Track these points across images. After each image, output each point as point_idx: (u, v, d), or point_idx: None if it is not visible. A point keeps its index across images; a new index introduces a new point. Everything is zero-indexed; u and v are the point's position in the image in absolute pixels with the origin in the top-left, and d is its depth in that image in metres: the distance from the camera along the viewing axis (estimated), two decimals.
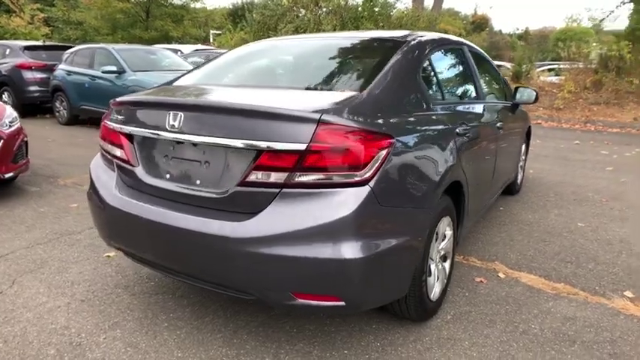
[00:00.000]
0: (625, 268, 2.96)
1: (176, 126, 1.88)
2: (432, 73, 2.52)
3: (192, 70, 2.80)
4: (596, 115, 10.59)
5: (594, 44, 15.46)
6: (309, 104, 1.81)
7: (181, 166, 1.96)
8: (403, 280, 1.95)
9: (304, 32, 14.33)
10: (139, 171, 2.07)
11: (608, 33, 17.68)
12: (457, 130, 2.35)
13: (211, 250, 1.78)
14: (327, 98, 1.93)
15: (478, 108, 2.94)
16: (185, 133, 1.87)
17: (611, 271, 2.93)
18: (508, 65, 18.31)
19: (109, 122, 2.23)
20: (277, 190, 1.70)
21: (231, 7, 36.30)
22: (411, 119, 2.05)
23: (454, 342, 2.13)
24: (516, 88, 3.82)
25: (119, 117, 2.17)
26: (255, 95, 2.14)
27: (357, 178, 1.66)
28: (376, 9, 14.27)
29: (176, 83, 2.59)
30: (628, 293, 2.63)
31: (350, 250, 1.64)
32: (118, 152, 2.18)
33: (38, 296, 2.49)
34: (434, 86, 2.52)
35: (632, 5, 13.88)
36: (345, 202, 1.65)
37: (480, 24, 47.82)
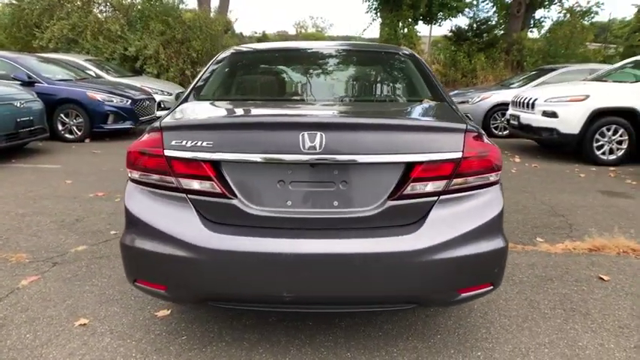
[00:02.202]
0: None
1: (317, 147, 1.75)
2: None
3: (196, 87, 2.46)
4: None
5: None
6: (437, 116, 1.98)
7: (308, 190, 1.83)
8: None
9: (84, 31, 12.56)
10: (239, 203, 1.81)
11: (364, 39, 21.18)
12: None
13: (382, 267, 1.77)
14: (434, 109, 2.11)
15: None
16: (327, 154, 1.76)
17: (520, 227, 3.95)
18: None
19: (174, 151, 1.83)
20: (435, 199, 1.84)
21: None
22: None
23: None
24: None
25: (195, 143, 1.80)
26: (358, 109, 2.15)
27: (493, 179, 1.95)
28: (159, 8, 13.61)
29: (202, 102, 2.26)
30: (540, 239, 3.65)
31: (501, 239, 1.93)
32: (197, 185, 1.83)
33: None
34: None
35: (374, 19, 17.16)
36: (494, 199, 1.94)
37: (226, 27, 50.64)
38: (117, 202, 4.44)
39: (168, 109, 8.82)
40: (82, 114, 7.79)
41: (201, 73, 2.66)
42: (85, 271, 2.98)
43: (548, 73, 9.42)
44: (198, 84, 2.49)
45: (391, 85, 2.60)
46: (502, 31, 17.33)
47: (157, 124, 1.93)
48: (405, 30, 16.04)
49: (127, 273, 2.02)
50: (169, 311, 2.49)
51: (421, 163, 1.79)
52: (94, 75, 9.69)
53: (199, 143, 1.79)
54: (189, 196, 1.84)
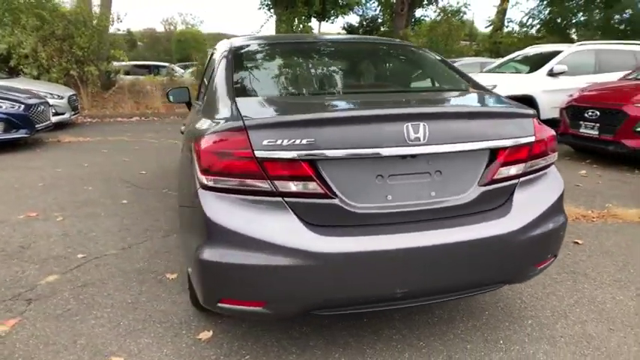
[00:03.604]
0: None
1: (421, 138, 1.72)
2: None
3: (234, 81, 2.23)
4: None
5: None
6: (502, 103, 2.07)
7: (406, 183, 1.78)
8: None
9: None
10: (340, 202, 1.70)
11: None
12: None
13: (486, 252, 1.81)
14: (490, 97, 2.19)
15: None
16: (430, 144, 1.74)
17: None
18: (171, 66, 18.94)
19: (267, 151, 1.64)
20: (516, 182, 1.93)
21: None
22: None
23: None
24: None
25: (293, 142, 1.64)
26: (428, 98, 2.17)
27: (553, 159, 2.10)
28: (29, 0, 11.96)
29: (252, 99, 2.09)
30: None
31: (564, 214, 2.10)
32: (295, 186, 1.67)
33: None
34: None
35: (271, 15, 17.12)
36: (557, 177, 2.12)
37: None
38: (60, 221, 3.81)
39: (62, 114, 7.80)
40: None
41: (214, 71, 2.42)
42: (76, 303, 2.52)
43: None
44: (227, 82, 2.23)
45: (427, 75, 2.63)
46: (388, 29, 18.51)
47: (234, 123, 1.70)
48: (301, 26, 16.24)
49: (205, 295, 1.77)
50: (211, 332, 2.24)
51: (505, 148, 1.87)
52: None
53: (297, 141, 1.63)
54: (287, 199, 1.67)
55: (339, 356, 2.07)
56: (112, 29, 13.23)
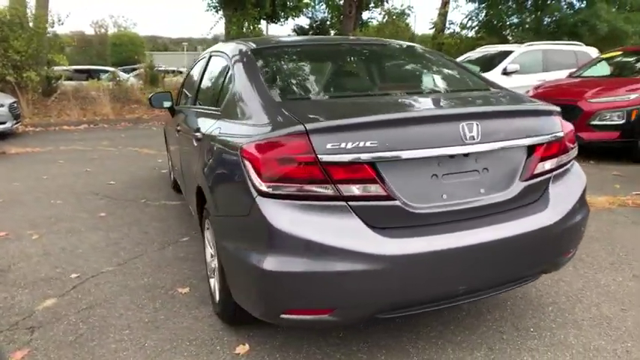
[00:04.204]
0: None
1: (475, 137, 1.76)
2: None
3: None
4: None
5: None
6: (529, 101, 2.15)
7: (458, 181, 1.81)
8: None
9: None
10: (401, 203, 1.70)
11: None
12: None
13: (535, 243, 1.89)
14: (514, 95, 2.27)
15: None
16: (483, 143, 1.79)
17: None
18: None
19: (330, 155, 1.60)
20: (550, 176, 2.02)
21: None
22: None
23: None
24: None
25: (356, 144, 1.62)
26: (465, 97, 2.22)
27: (575, 153, 2.21)
28: None
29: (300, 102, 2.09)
30: None
31: (587, 205, 2.21)
32: (358, 190, 1.64)
33: None
34: None
35: (221, 17, 16.72)
36: (579, 170, 2.25)
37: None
38: (37, 239, 3.51)
39: (3, 123, 7.24)
40: None
41: (229, 74, 2.33)
42: (87, 327, 2.33)
43: None
44: (257, 85, 2.13)
45: (450, 76, 2.65)
46: (337, 31, 18.71)
47: (294, 127, 1.63)
48: (252, 28, 16.03)
49: (266, 307, 1.70)
50: (247, 345, 2.15)
51: (542, 144, 1.95)
52: None
53: (361, 144, 1.61)
54: (350, 203, 1.63)
55: (385, 358, 2.06)
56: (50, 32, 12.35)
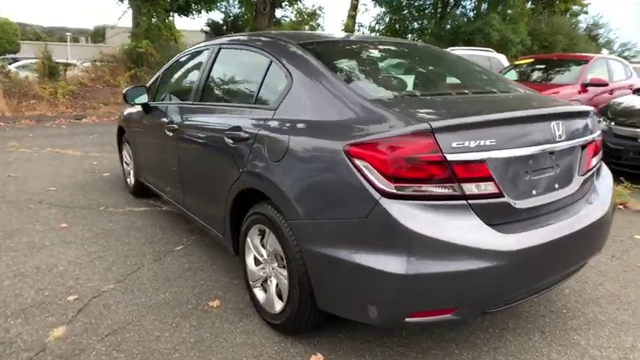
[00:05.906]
0: None
1: (562, 135, 1.91)
2: None
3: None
4: None
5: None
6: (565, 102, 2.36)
7: (542, 177, 1.92)
8: None
9: None
10: (507, 199, 1.76)
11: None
12: None
13: (598, 232, 2.10)
14: (549, 97, 2.44)
15: None
16: (565, 141, 1.95)
17: None
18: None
19: (457, 154, 1.61)
20: (594, 171, 2.24)
21: None
22: None
23: None
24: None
25: (478, 143, 1.66)
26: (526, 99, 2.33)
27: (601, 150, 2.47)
28: None
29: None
30: None
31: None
32: (476, 188, 1.67)
33: None
34: None
35: (129, 7, 15.43)
36: (605, 166, 2.48)
37: None
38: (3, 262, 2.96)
39: None
40: None
41: (286, 69, 2.18)
42: (125, 356, 2.04)
43: None
44: (332, 81, 2.01)
45: (490, 78, 2.70)
46: (251, 28, 18.39)
47: (418, 125, 1.60)
48: (163, 20, 15.06)
49: (391, 311, 1.64)
50: (319, 355, 2.06)
51: (591, 142, 2.16)
52: None
53: (482, 142, 1.65)
54: (470, 201, 1.64)
55: (458, 352, 2.12)
56: None
